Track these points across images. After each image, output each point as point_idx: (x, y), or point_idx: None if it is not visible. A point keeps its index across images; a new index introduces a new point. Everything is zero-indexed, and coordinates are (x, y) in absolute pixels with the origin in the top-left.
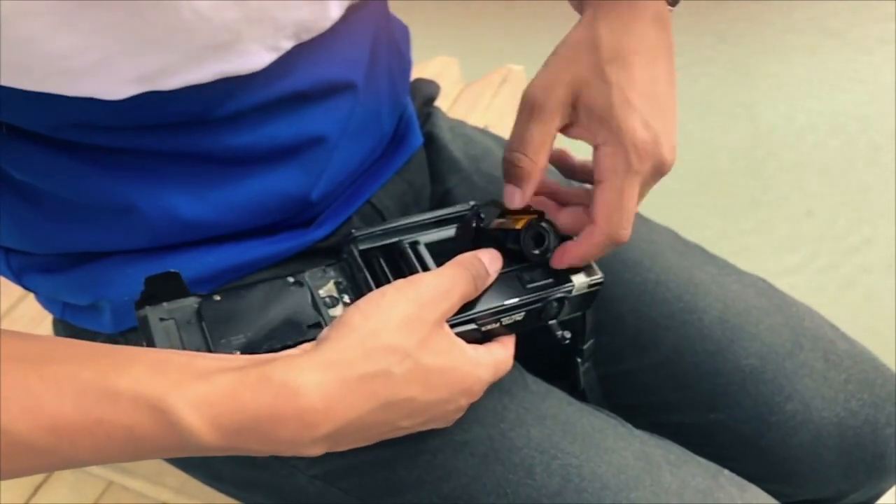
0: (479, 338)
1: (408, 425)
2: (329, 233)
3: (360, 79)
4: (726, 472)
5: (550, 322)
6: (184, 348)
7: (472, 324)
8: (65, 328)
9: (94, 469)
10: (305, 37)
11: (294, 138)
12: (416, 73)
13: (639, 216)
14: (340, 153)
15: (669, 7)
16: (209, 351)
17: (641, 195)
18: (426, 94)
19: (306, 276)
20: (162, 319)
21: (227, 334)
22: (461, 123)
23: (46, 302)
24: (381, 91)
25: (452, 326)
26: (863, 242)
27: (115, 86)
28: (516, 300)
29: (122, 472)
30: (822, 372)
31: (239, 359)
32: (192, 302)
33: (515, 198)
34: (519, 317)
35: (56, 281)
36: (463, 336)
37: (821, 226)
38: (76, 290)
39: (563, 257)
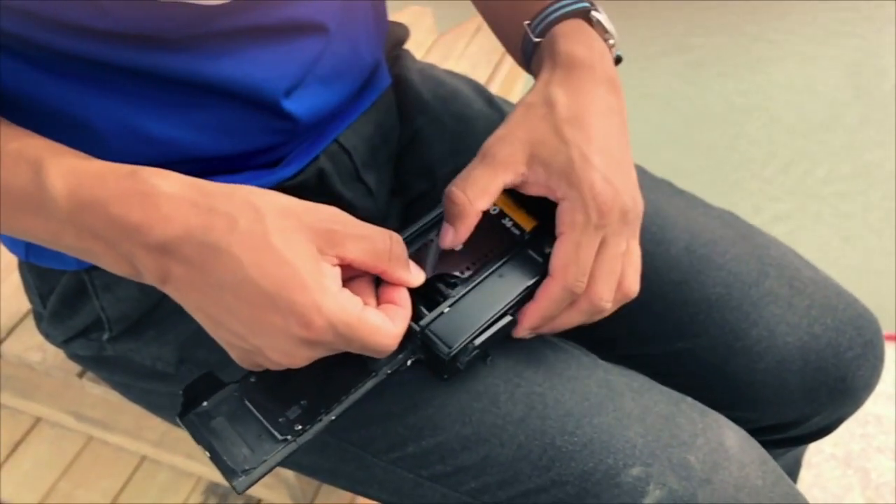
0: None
1: (232, 306)
2: (296, 172)
3: (332, 23)
4: (689, 399)
5: None
6: (241, 440)
7: (507, 316)
8: (30, 269)
9: (75, 425)
10: None
11: (253, 77)
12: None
13: None
14: (310, 97)
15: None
16: (272, 434)
17: (615, 246)
18: (396, 36)
19: None
20: (211, 418)
21: (282, 410)
22: (430, 66)
23: (10, 243)
24: (359, 40)
25: (490, 325)
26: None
27: None
28: (539, 276)
29: (102, 428)
30: (786, 298)
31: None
32: (231, 391)
33: (447, 237)
34: None
35: None
36: (502, 330)
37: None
38: None
39: (524, 321)
